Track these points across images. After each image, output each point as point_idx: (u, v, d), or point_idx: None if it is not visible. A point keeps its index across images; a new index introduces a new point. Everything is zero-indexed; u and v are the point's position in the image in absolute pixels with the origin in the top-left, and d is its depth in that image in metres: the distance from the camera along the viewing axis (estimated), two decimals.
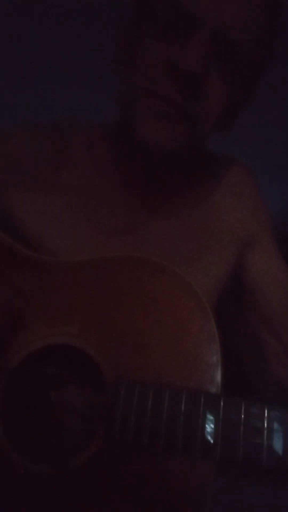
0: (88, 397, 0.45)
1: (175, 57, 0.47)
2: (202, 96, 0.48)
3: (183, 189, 0.59)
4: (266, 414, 0.39)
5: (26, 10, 1.28)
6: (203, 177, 0.61)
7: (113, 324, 0.45)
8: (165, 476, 0.41)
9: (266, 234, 0.62)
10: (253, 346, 0.59)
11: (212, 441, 0.39)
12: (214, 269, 0.58)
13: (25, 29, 1.34)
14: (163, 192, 0.58)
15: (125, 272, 0.46)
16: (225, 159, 0.64)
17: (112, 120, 0.57)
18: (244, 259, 0.60)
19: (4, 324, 0.45)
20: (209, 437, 0.40)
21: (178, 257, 0.54)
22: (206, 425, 0.40)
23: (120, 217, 0.56)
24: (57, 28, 1.34)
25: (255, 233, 0.61)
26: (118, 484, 0.41)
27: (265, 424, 0.39)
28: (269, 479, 0.44)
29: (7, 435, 0.43)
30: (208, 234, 0.58)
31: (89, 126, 0.60)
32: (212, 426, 0.40)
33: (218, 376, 0.43)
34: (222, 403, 0.40)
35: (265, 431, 0.39)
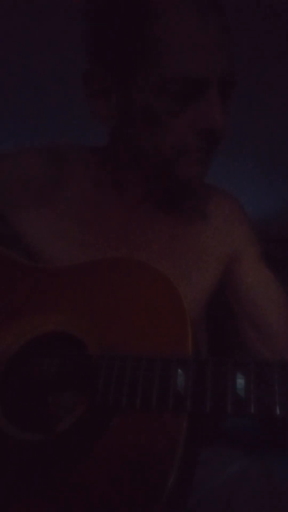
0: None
1: (197, 120, 0.55)
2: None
3: (175, 209, 0.69)
4: (231, 366, 0.44)
5: (27, 30, 1.40)
6: (194, 202, 0.71)
7: (97, 312, 0.52)
8: (141, 436, 0.44)
9: (252, 250, 0.71)
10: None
11: (182, 393, 0.44)
12: (201, 282, 0.66)
13: (24, 53, 1.45)
14: (154, 212, 0.68)
15: (106, 270, 0.55)
16: (215, 189, 0.75)
17: (101, 144, 0.67)
18: (233, 273, 0.70)
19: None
20: (180, 390, 0.44)
21: (168, 269, 0.59)
22: (178, 379, 0.44)
23: (114, 230, 0.65)
24: (56, 54, 1.44)
25: (242, 249, 0.71)
26: (100, 444, 0.44)
27: (228, 374, 0.44)
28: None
29: (4, 411, 0.48)
30: (196, 250, 0.68)
31: (83, 148, 0.71)
32: (183, 379, 0.44)
33: (189, 347, 0.48)
34: (191, 361, 0.45)
35: (229, 381, 0.43)
